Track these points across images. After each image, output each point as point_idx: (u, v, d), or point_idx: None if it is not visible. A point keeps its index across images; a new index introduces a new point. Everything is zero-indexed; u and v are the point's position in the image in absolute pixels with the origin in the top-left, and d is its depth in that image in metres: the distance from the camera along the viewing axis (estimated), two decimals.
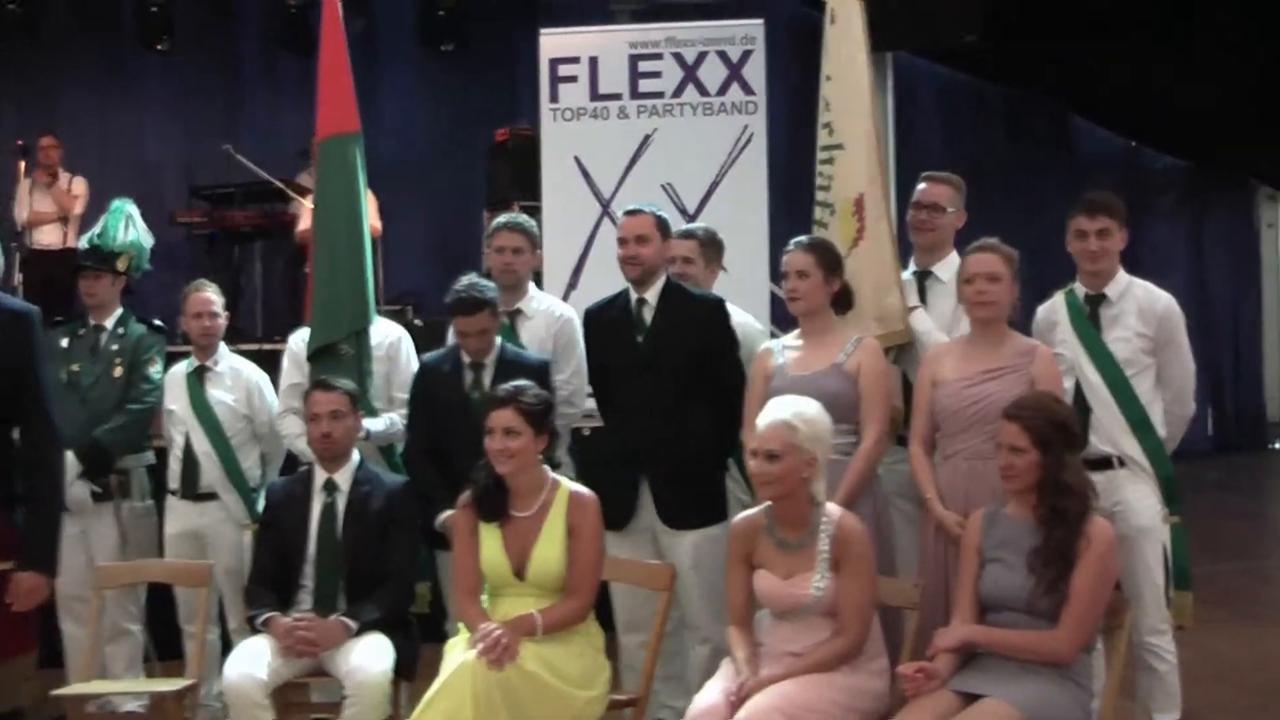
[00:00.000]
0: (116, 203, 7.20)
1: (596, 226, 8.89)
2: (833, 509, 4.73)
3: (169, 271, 12.33)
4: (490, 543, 4.96)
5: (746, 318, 6.22)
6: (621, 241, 5.79)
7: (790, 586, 4.65)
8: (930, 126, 15.09)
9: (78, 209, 11.22)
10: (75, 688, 5.77)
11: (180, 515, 6.51)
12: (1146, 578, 5.37)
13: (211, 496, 6.46)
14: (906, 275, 5.96)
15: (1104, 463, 5.39)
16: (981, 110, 15.35)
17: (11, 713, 4.39)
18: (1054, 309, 5.61)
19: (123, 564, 6.19)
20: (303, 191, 10.83)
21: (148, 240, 7.01)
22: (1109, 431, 5.39)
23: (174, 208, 12.52)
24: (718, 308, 5.79)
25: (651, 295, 5.76)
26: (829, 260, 5.44)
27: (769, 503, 4.75)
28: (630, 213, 5.87)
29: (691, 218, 8.96)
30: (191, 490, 6.47)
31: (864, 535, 4.68)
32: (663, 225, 5.80)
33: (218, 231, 11.52)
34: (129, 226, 6.87)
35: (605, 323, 5.90)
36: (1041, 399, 4.69)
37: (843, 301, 5.51)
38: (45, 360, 4.60)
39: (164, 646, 6.71)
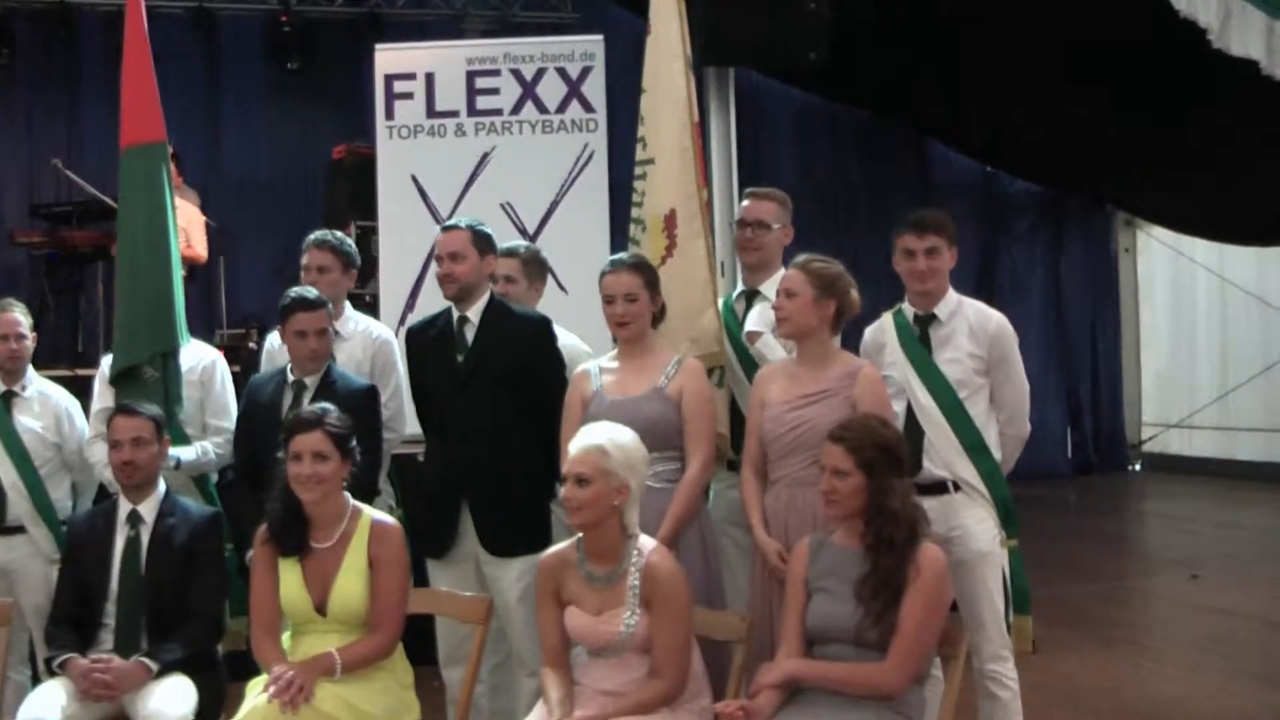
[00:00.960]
0: None
1: (434, 247, 8.56)
2: (645, 542, 4.43)
3: (10, 292, 11.90)
4: (289, 577, 4.63)
5: (573, 339, 5.93)
6: (437, 259, 5.50)
7: (600, 623, 4.36)
8: (784, 149, 15.00)
9: None
10: None
11: None
12: (987, 603, 5.14)
13: (19, 530, 6.00)
14: (735, 294, 5.73)
15: (939, 487, 5.15)
16: (836, 133, 15.27)
17: None
18: (882, 330, 5.37)
19: None
20: None
21: None
22: (943, 455, 5.15)
23: (14, 226, 12.03)
24: (542, 327, 5.51)
25: (474, 313, 5.45)
26: (652, 279, 5.18)
27: (579, 536, 4.47)
28: (446, 229, 5.57)
29: (532, 237, 8.75)
30: None
31: (674, 571, 4.38)
32: (480, 241, 5.50)
33: (56, 251, 11.03)
34: None
35: (426, 342, 5.59)
36: (867, 421, 4.44)
37: (660, 316, 5.24)
38: None
39: None
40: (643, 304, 5.11)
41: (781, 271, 5.40)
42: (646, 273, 5.18)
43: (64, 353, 10.49)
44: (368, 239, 9.99)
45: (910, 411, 5.20)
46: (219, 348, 9.19)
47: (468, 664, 5.01)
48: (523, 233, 8.82)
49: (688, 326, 5.44)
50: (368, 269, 10.04)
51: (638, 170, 5.83)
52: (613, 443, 4.38)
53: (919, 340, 5.25)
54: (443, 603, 5.25)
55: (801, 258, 5.05)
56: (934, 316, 5.26)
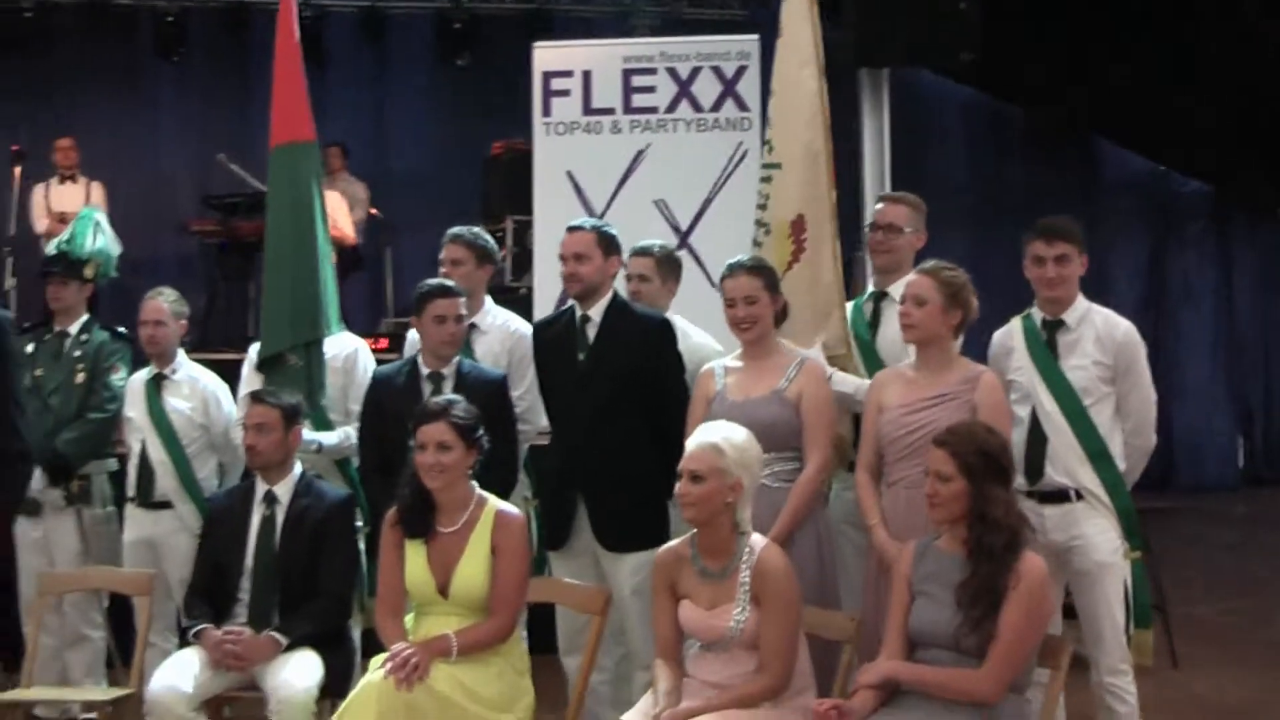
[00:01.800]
0: (85, 210, 7.16)
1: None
2: (757, 540, 4.52)
3: (184, 279, 12.26)
4: (415, 560, 4.81)
5: (705, 338, 6.02)
6: (562, 259, 5.62)
7: (711, 618, 4.46)
8: (948, 147, 14.89)
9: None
10: (14, 694, 5.67)
11: (136, 523, 6.38)
12: (1106, 615, 5.12)
13: (166, 505, 6.31)
14: (864, 296, 5.79)
15: (1061, 495, 5.15)
16: (1001, 130, 15.11)
17: None
18: (1010, 334, 5.38)
19: (65, 571, 6.09)
20: None
21: (115, 248, 6.93)
22: (1066, 462, 5.14)
23: (187, 216, 12.47)
24: (662, 327, 5.60)
25: (595, 312, 5.58)
26: (771, 280, 5.25)
27: (693, 531, 4.57)
28: (571, 229, 5.69)
29: (685, 234, 8.84)
30: (147, 498, 6.34)
31: (785, 570, 4.46)
32: (605, 242, 5.63)
33: (227, 240, 11.40)
34: (97, 234, 6.77)
35: (549, 339, 5.74)
36: (972, 427, 4.46)
37: (781, 317, 5.31)
38: (11, 365, 4.43)
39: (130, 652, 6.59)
40: (763, 306, 5.18)
41: (911, 275, 5.43)
42: (766, 275, 5.26)
43: (235, 337, 10.84)
44: (524, 233, 10.23)
45: (1035, 417, 5.20)
46: (384, 336, 9.58)
47: (583, 653, 5.15)
48: (675, 230, 8.90)
49: (816, 329, 5.52)
50: (523, 263, 10.29)
51: (763, 174, 5.91)
52: (727, 441, 4.48)
53: (1046, 346, 5.25)
54: (561, 592, 5.39)
55: (929, 265, 5.09)
56: (1062, 323, 5.25)
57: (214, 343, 10.38)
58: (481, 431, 4.84)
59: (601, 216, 8.76)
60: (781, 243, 5.67)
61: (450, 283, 5.81)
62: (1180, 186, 15.87)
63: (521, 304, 8.98)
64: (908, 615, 4.37)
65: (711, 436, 4.51)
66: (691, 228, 8.92)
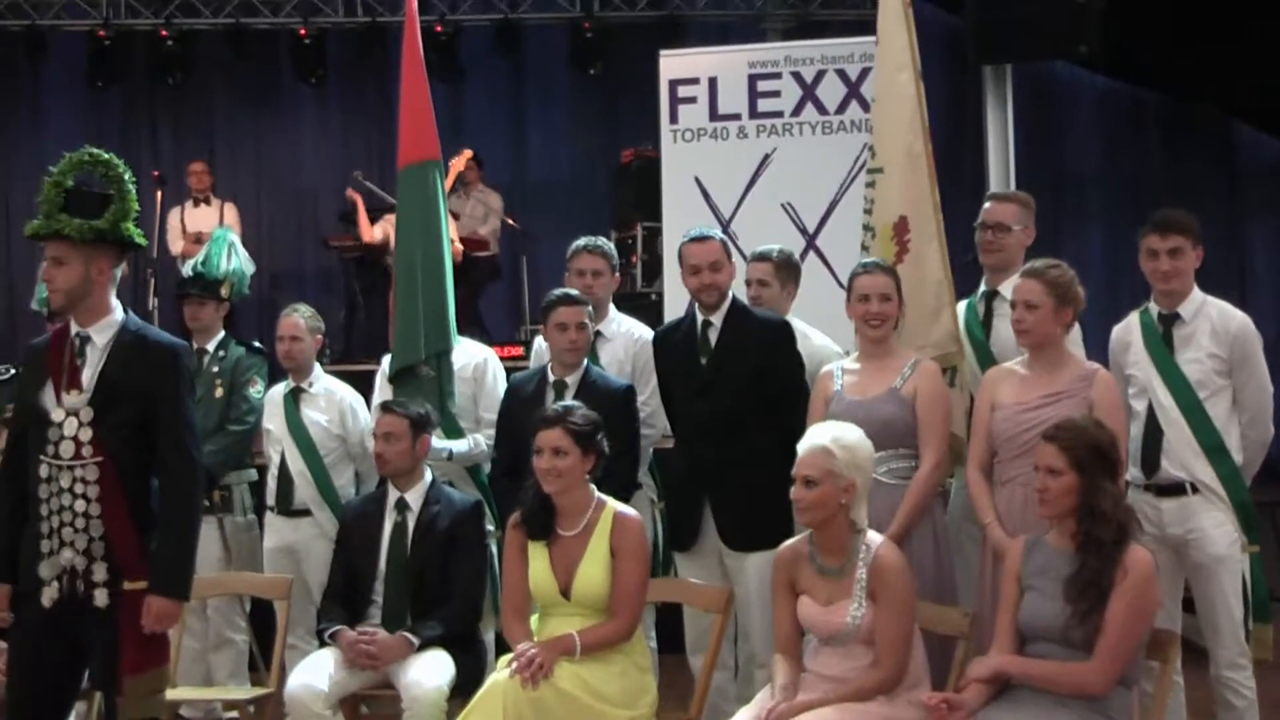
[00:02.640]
0: (218, 231, 7.47)
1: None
2: (874, 537, 4.65)
3: (324, 295, 12.83)
4: (538, 562, 4.98)
5: (825, 340, 6.14)
6: (694, 270, 5.75)
7: (829, 614, 4.59)
8: (1086, 137, 14.74)
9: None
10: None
11: (276, 530, 6.67)
12: (1224, 609, 5.15)
13: (305, 513, 6.59)
14: (977, 295, 5.87)
15: (1177, 489, 5.21)
16: (1139, 119, 14.89)
17: None
18: (1128, 329, 5.44)
19: (208, 576, 6.31)
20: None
21: (249, 267, 7.21)
22: (1181, 456, 5.19)
23: (327, 233, 12.84)
24: (782, 329, 5.73)
25: (717, 318, 5.73)
26: (899, 283, 5.38)
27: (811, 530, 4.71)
28: (699, 239, 5.83)
29: (812, 236, 8.96)
30: (286, 506, 6.62)
31: (900, 567, 4.58)
32: (728, 249, 5.81)
33: (365, 255, 11.74)
34: (231, 255, 7.06)
35: (671, 345, 5.90)
36: (1082, 422, 4.52)
37: (897, 323, 5.43)
38: (189, 393, 4.71)
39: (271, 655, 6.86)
40: (894, 305, 5.32)
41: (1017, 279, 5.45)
42: (896, 276, 5.40)
43: (377, 348, 11.17)
44: (654, 240, 10.39)
45: (1151, 411, 5.27)
46: (521, 343, 9.81)
47: (706, 651, 5.30)
48: (803, 232, 9.02)
49: (923, 330, 5.60)
50: (654, 269, 10.46)
51: (867, 179, 6.03)
52: (838, 443, 4.60)
53: (1162, 339, 5.31)
54: (685, 592, 5.56)
55: (1035, 265, 5.15)
56: (1177, 316, 5.30)
57: (355, 354, 10.73)
58: (600, 436, 4.99)
59: (729, 221, 8.97)
60: (886, 245, 5.77)
61: (574, 291, 6.03)
62: None
63: (652, 310, 9.25)
64: (1017, 610, 4.45)
65: (821, 439, 4.62)
66: (819, 229, 9.03)
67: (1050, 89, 13.75)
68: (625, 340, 6.37)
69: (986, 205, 5.91)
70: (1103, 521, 4.30)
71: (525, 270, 12.33)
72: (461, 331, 6.87)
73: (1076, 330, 5.37)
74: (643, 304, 10.03)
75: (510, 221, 12.04)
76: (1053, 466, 4.38)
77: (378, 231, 11.05)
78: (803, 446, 4.65)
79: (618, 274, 6.54)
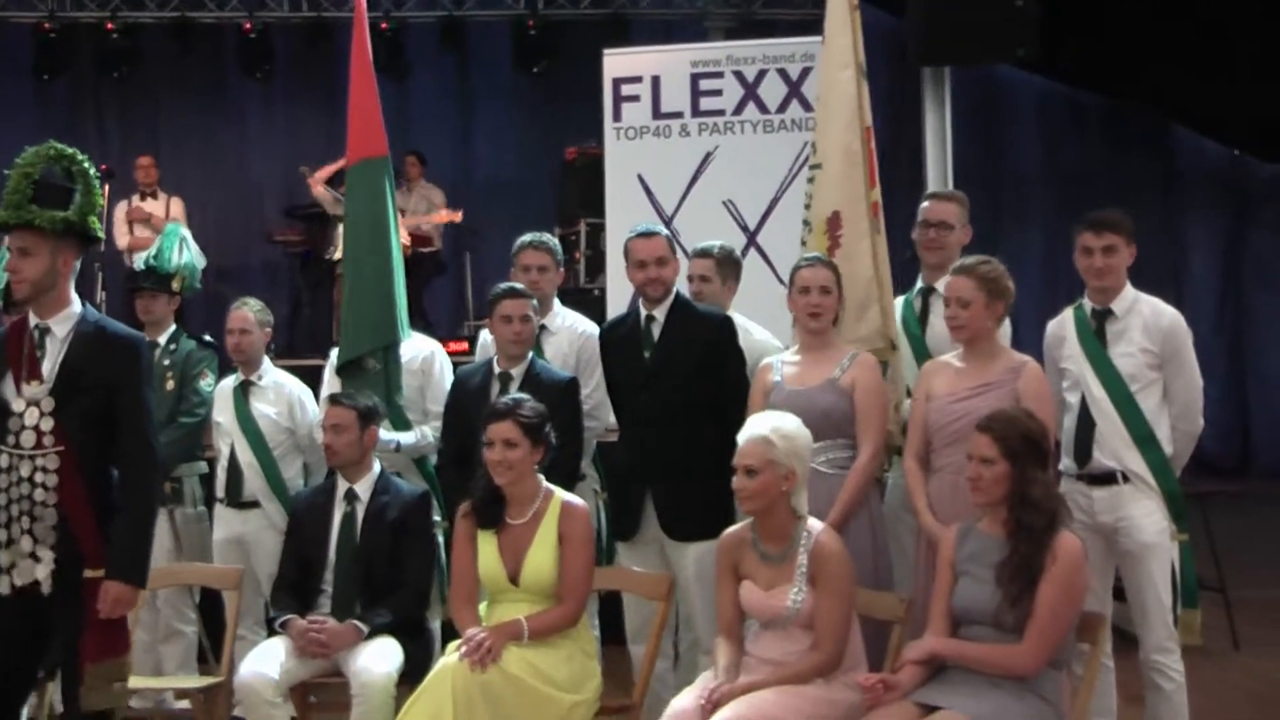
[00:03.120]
0: (170, 226, 7.55)
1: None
2: (814, 524, 4.79)
3: (270, 288, 12.90)
4: (487, 549, 5.10)
5: (765, 335, 6.26)
6: (640, 264, 5.88)
7: (770, 598, 4.73)
8: (1026, 137, 15.00)
9: None
10: None
11: (226, 522, 6.74)
12: (1151, 594, 5.31)
13: (254, 504, 6.66)
14: (914, 291, 6.01)
15: (1108, 478, 5.37)
16: (1079, 120, 15.17)
17: (103, 712, 4.58)
18: (1063, 324, 5.60)
19: (158, 568, 6.24)
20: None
21: (200, 262, 7.26)
22: (1112, 446, 5.36)
23: (272, 227, 12.90)
24: (724, 324, 5.86)
25: (660, 312, 5.86)
26: (839, 277, 5.52)
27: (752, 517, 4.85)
28: (645, 235, 5.96)
29: (753, 234, 9.13)
30: (236, 498, 6.70)
31: (840, 553, 4.72)
32: (673, 245, 5.95)
33: (310, 250, 11.82)
34: (183, 249, 7.11)
35: (616, 339, 6.03)
36: (1014, 413, 4.68)
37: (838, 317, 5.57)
38: (147, 383, 4.78)
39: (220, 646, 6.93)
40: (834, 299, 5.47)
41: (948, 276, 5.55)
42: (837, 271, 5.54)
43: (321, 343, 11.24)
44: (597, 235, 10.53)
45: (1084, 403, 5.43)
46: (466, 338, 9.91)
47: (648, 638, 5.44)
48: (744, 229, 9.19)
49: (851, 325, 5.73)
50: (597, 264, 10.59)
51: (808, 174, 6.17)
52: (777, 433, 4.74)
53: (1095, 335, 5.47)
54: (628, 580, 5.70)
55: (966, 262, 5.31)
56: (1110, 312, 5.47)
57: (300, 349, 10.80)
58: (548, 429, 5.12)
59: (672, 218, 9.12)
60: (820, 239, 5.91)
61: (519, 285, 6.14)
62: (1258, 171, 15.84)
63: (595, 305, 9.39)
64: (951, 595, 4.61)
65: (761, 429, 4.75)
66: (759, 226, 9.20)
67: (992, 90, 14.01)
68: (569, 334, 6.49)
69: (926, 204, 6.05)
70: (1033, 509, 4.45)
71: (469, 265, 12.43)
72: (415, 325, 6.99)
73: (1006, 324, 5.53)
74: (586, 299, 10.17)
75: (455, 217, 12.12)
76: (985, 456, 4.54)
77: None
78: (743, 436, 4.78)
79: (562, 269, 6.64)
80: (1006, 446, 4.50)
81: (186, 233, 7.36)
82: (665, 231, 6.04)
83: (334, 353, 6.74)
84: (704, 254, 6.32)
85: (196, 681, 6.19)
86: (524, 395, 5.32)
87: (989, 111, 14.19)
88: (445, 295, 12.96)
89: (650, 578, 5.56)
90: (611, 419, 6.30)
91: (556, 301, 6.59)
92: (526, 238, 6.54)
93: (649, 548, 5.83)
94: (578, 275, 11.10)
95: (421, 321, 11.32)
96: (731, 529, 4.97)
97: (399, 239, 6.77)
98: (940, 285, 5.76)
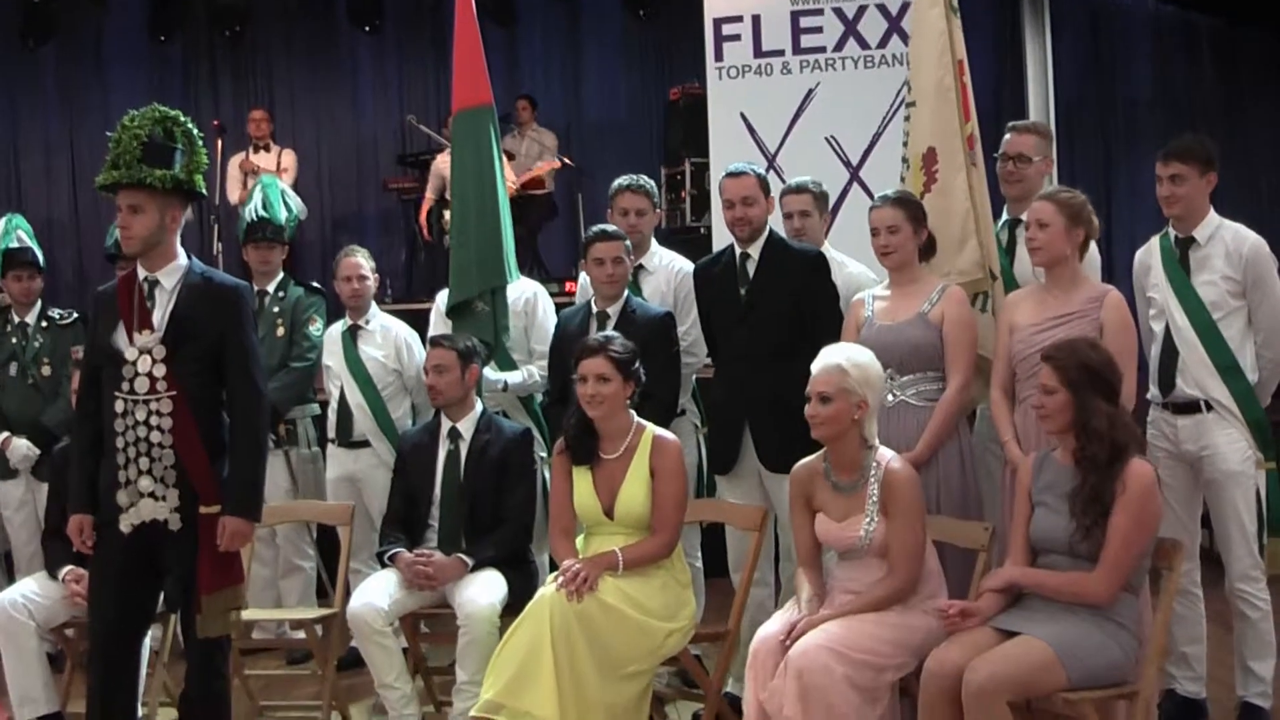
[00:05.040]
0: (267, 178, 7.77)
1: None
2: (885, 453, 4.89)
3: (384, 235, 13.16)
4: (582, 484, 5.30)
5: (861, 268, 6.39)
6: (729, 204, 6.02)
7: (843, 529, 4.86)
8: (1138, 62, 14.77)
9: (286, 181, 11.83)
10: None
11: (338, 461, 7.03)
12: (1235, 523, 5.38)
13: (365, 444, 6.95)
14: (1000, 223, 6.07)
15: (1191, 407, 5.44)
16: (1192, 44, 14.91)
17: (219, 638, 4.87)
18: (1149, 252, 5.66)
19: (275, 505, 6.63)
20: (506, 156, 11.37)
21: (303, 212, 7.49)
22: (1196, 375, 5.42)
23: (385, 175, 13.15)
24: (817, 260, 5.99)
25: (755, 250, 6.00)
26: (915, 212, 5.58)
27: (826, 448, 4.98)
28: (734, 175, 6.09)
29: (855, 169, 9.16)
30: (347, 438, 6.98)
31: (910, 481, 4.82)
32: (765, 185, 6.06)
33: (423, 196, 12.02)
34: (285, 200, 7.39)
35: (711, 277, 6.17)
36: (1076, 343, 4.74)
37: (928, 250, 5.65)
38: (252, 329, 5.00)
39: None
40: (904, 236, 5.53)
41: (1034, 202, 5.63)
42: (909, 207, 5.60)
43: (439, 287, 11.50)
44: (702, 175, 10.63)
45: (1168, 331, 5.51)
46: (578, 280, 10.08)
47: (744, 567, 5.62)
48: (847, 165, 9.21)
49: (949, 258, 5.80)
50: (702, 203, 10.71)
51: (905, 113, 6.24)
52: (850, 361, 4.87)
53: (1179, 263, 5.53)
54: (725, 512, 5.88)
55: (1049, 190, 5.42)
56: (1193, 240, 5.52)
57: (417, 293, 11.04)
58: (638, 365, 5.29)
59: (774, 156, 9.18)
60: (916, 175, 5.98)
61: (610, 227, 6.33)
62: None
63: (701, 243, 9.53)
64: (1029, 524, 4.72)
65: (835, 358, 4.89)
66: (862, 162, 9.21)
67: (1103, 15, 13.80)
68: (667, 273, 6.66)
69: (1007, 137, 6.09)
70: (1096, 439, 4.53)
71: (581, 207, 12.58)
72: (521, 269, 7.20)
73: (1095, 255, 5.60)
74: (692, 237, 10.34)
75: (566, 161, 12.29)
76: (1047, 385, 4.64)
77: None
78: (817, 365, 4.92)
79: (659, 209, 6.79)
80: (1065, 376, 4.58)
81: (284, 183, 7.60)
82: (756, 171, 6.13)
83: (441, 296, 6.97)
84: (800, 190, 6.44)
85: (313, 613, 6.48)
86: (615, 333, 5.50)
87: (1098, 37, 13.99)
88: (559, 237, 13.09)
89: (746, 509, 5.73)
90: (706, 354, 6.45)
91: (654, 241, 6.77)
92: (623, 180, 6.70)
93: (748, 480, 5.99)
94: (683, 214, 11.23)
95: (536, 264, 11.54)
96: (804, 461, 5.08)
97: (505, 184, 6.96)
98: (1026, 216, 5.80)
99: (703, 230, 10.27)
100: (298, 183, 11.70)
